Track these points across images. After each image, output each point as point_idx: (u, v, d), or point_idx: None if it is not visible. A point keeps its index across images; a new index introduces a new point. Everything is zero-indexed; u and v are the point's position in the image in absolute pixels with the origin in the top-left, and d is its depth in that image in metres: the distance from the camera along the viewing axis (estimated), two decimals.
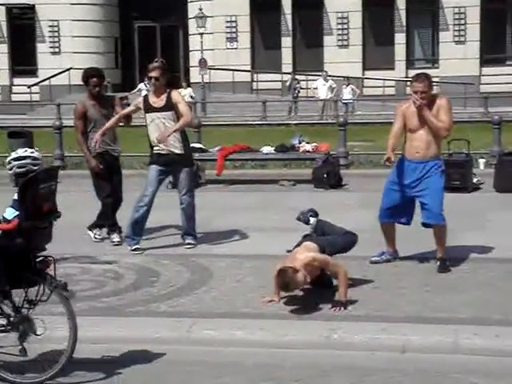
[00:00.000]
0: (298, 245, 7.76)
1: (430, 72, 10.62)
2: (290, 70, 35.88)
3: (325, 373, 6.00)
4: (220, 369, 6.11)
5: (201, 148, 15.75)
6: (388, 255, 8.81)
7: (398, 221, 8.77)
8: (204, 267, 8.76)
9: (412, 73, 24.76)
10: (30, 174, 5.69)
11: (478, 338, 6.35)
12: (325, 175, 14.57)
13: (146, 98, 9.79)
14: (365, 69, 36.53)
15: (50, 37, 39.19)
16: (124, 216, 9.91)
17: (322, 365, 6.14)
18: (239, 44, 37.39)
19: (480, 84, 34.96)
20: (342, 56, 36.22)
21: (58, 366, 5.68)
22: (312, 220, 8.27)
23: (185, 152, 9.63)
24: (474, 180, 14.04)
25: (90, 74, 10.12)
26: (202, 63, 35.43)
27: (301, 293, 7.57)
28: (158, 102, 9.54)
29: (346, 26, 36.62)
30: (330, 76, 32.95)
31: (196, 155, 14.57)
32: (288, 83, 34.09)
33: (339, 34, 36.74)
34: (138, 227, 9.66)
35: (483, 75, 35.54)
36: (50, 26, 38.99)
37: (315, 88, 33.09)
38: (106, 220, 10.22)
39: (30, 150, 6.02)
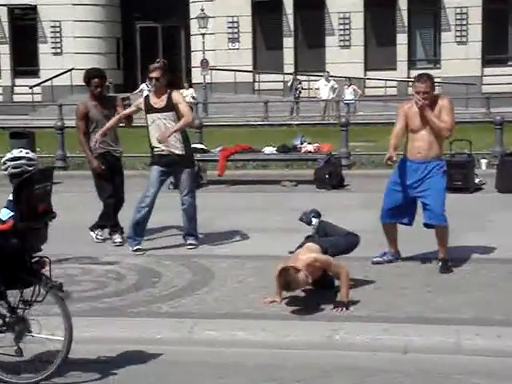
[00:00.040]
0: (300, 246, 7.76)
1: (432, 72, 10.62)
2: (291, 70, 35.87)
3: (327, 373, 5.99)
4: (222, 369, 6.11)
5: (202, 148, 15.74)
6: (390, 256, 8.80)
7: (400, 221, 8.76)
8: (206, 268, 8.76)
9: (414, 73, 24.81)
10: (25, 174, 5.67)
11: (479, 339, 6.35)
12: (327, 176, 14.56)
13: (146, 98, 9.79)
14: (367, 69, 36.53)
15: (52, 37, 39.22)
16: (126, 217, 9.91)
17: (324, 365, 6.13)
18: (241, 44, 37.39)
19: (482, 84, 34.95)
20: (344, 56, 36.21)
21: (54, 367, 5.69)
22: (314, 221, 8.27)
23: (186, 153, 9.63)
24: (476, 180, 14.03)
25: (91, 75, 10.13)
26: (204, 64, 35.43)
27: (302, 293, 7.57)
28: (158, 102, 9.54)
29: (347, 27, 36.62)
30: (331, 76, 32.94)
31: (198, 156, 14.57)
32: (289, 83, 34.09)
33: (341, 35, 36.73)
34: (140, 228, 9.66)
35: (485, 75, 35.53)
36: (52, 27, 39.02)
37: (317, 88, 33.10)
38: (108, 221, 10.22)
39: (25, 151, 6.00)
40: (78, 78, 20.54)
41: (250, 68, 37.06)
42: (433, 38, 37.22)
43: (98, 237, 10.28)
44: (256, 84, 36.47)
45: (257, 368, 6.12)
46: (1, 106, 36.25)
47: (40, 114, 32.99)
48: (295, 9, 36.78)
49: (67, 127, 17.72)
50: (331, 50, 36.73)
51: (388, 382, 5.83)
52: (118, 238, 10.07)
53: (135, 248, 9.59)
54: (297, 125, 26.28)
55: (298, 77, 34.45)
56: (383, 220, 8.76)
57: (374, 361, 6.20)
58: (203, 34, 35.34)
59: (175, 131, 9.41)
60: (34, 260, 5.74)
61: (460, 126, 11.89)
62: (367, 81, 35.79)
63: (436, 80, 9.27)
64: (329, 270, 7.42)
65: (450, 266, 8.42)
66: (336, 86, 32.56)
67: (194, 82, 36.56)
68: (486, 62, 35.96)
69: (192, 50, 38.44)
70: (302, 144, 15.59)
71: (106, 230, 10.30)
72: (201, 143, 16.27)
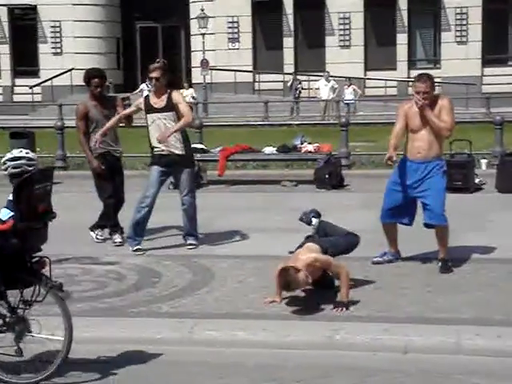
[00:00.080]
0: (301, 246, 7.76)
1: (432, 72, 10.63)
2: (291, 70, 35.86)
3: (327, 373, 5.99)
4: (222, 369, 6.11)
5: (202, 149, 15.74)
6: (390, 256, 8.80)
7: (400, 221, 8.76)
8: (206, 268, 8.76)
9: (414, 73, 24.83)
10: (25, 174, 5.67)
11: (480, 339, 6.35)
12: (327, 176, 14.56)
13: (146, 98, 9.79)
14: (367, 69, 36.53)
15: (52, 37, 39.22)
16: (126, 217, 9.91)
17: (324, 365, 6.13)
18: (241, 44, 37.39)
19: (482, 84, 34.95)
20: (344, 56, 36.22)
21: (54, 367, 5.69)
22: (314, 221, 8.27)
23: (186, 153, 9.63)
24: (476, 180, 14.03)
25: (91, 75, 10.13)
26: (204, 64, 35.43)
27: (303, 294, 7.57)
28: (158, 102, 9.54)
29: (347, 27, 36.62)
30: (331, 76, 32.94)
31: (198, 156, 14.57)
32: (289, 83, 34.10)
33: (341, 35, 36.73)
34: (140, 228, 9.66)
35: (485, 75, 35.53)
36: (52, 27, 39.02)
37: (317, 88, 33.11)
38: (108, 221, 10.22)
39: (25, 151, 5.99)
40: (78, 78, 20.54)
41: (250, 68, 37.07)
42: (433, 38, 37.22)
43: (98, 237, 10.28)
44: (256, 84, 36.47)
45: (257, 368, 6.12)
46: (1, 105, 36.23)
47: (40, 114, 32.98)
48: (295, 9, 36.78)
49: (67, 127, 17.72)
50: (331, 49, 36.74)
51: (388, 382, 5.83)
52: (118, 238, 10.07)
53: (135, 248, 9.59)
54: (297, 125, 26.27)
55: (298, 77, 34.45)
56: (383, 220, 8.76)
57: (375, 361, 6.20)
58: (203, 34, 35.35)
59: (175, 131, 9.41)
60: (34, 260, 5.75)
61: (460, 126, 11.89)
62: (367, 81, 35.79)
63: (436, 80, 9.27)
64: (329, 270, 7.43)
65: (450, 266, 8.42)
66: (336, 86, 32.56)
67: (194, 82, 36.56)
68: (486, 61, 35.96)
69: (192, 50, 38.45)
70: (302, 144, 15.59)
71: (106, 230, 10.30)
72: (201, 143, 16.27)
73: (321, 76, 33.28)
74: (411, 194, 8.52)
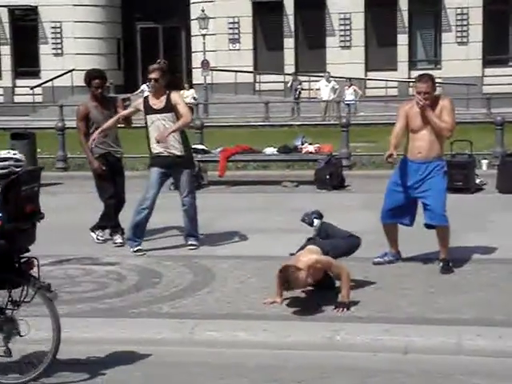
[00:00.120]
0: (302, 248, 7.75)
1: (433, 73, 10.60)
2: (292, 71, 35.86)
3: (327, 374, 5.99)
4: (222, 370, 6.11)
5: (203, 149, 15.74)
6: (391, 256, 8.79)
7: (401, 222, 8.76)
8: (207, 268, 8.75)
9: (414, 74, 24.84)
10: (12, 175, 5.63)
11: (481, 339, 6.34)
12: (327, 176, 14.56)
13: (146, 99, 9.78)
14: (367, 70, 36.53)
15: (53, 38, 39.23)
16: (126, 217, 9.90)
17: (325, 366, 6.13)
18: (241, 45, 37.40)
19: (483, 85, 34.94)
20: (345, 57, 36.21)
21: (42, 367, 5.68)
22: (316, 222, 8.25)
23: (185, 154, 9.62)
24: (477, 181, 14.03)
25: (92, 76, 10.12)
26: (205, 64, 35.44)
27: (303, 294, 7.57)
28: (157, 103, 9.53)
29: (348, 27, 36.61)
30: (332, 77, 32.94)
31: (198, 156, 14.59)
32: (289, 84, 34.10)
33: (341, 35, 36.73)
34: (140, 229, 9.65)
35: (486, 76, 35.53)
36: (53, 28, 39.03)
37: (318, 89, 33.10)
38: (109, 221, 10.22)
39: (12, 152, 5.94)
40: (79, 79, 20.58)
41: (251, 69, 37.07)
42: (433, 39, 37.20)
43: (99, 237, 10.28)
44: (257, 85, 36.47)
45: (258, 369, 6.12)
46: (2, 106, 36.28)
47: (41, 115, 33.00)
48: (296, 9, 36.77)
49: (68, 128, 17.71)
50: (332, 50, 36.73)
51: (389, 383, 5.83)
52: (118, 239, 10.07)
53: (136, 249, 9.59)
54: (297, 125, 26.25)
55: (299, 77, 34.44)
56: (384, 220, 8.76)
57: (375, 361, 6.20)
58: (204, 35, 35.36)
59: (174, 131, 9.40)
60: (22, 261, 5.72)
61: (461, 127, 11.88)
62: (368, 81, 35.78)
63: (437, 80, 9.27)
64: (330, 270, 7.42)
65: (451, 267, 8.42)
66: (337, 86, 32.55)
67: (194, 82, 36.58)
68: (487, 62, 35.95)
69: (193, 50, 38.45)
70: (302, 145, 15.58)
71: (107, 231, 10.30)
72: (201, 144, 16.26)
73: (321, 77, 33.27)
74: (412, 195, 8.52)
